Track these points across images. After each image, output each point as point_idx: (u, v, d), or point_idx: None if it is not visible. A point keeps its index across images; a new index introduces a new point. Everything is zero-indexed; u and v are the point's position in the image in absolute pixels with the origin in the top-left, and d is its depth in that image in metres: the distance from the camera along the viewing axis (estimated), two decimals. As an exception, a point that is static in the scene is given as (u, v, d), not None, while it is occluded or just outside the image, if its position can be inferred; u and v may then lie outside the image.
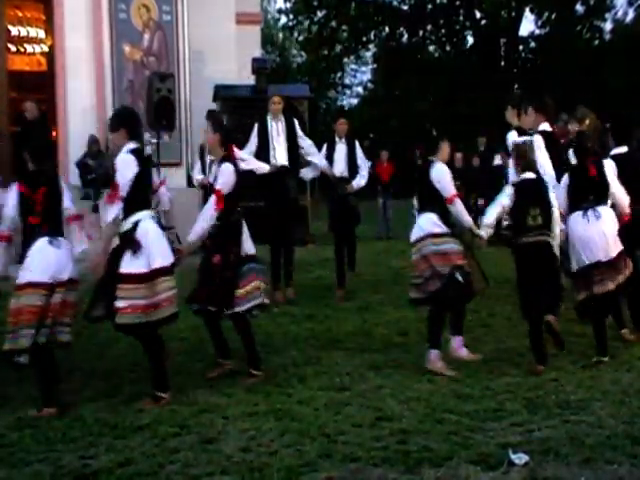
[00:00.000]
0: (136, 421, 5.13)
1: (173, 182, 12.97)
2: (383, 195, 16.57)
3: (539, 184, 6.47)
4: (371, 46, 37.08)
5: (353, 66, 40.30)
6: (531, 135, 7.91)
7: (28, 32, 16.83)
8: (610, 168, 6.78)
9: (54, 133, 13.64)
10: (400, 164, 17.45)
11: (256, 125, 9.08)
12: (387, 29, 35.33)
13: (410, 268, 6.69)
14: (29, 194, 5.44)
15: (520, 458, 4.38)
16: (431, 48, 36.64)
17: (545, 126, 8.17)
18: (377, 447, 4.60)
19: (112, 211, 5.49)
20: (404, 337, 7.38)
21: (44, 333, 5.33)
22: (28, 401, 5.54)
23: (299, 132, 9.13)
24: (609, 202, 6.68)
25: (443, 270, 6.16)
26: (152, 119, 12.75)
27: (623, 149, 7.32)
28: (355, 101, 39.96)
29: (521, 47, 34.69)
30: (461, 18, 34.97)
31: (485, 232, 6.44)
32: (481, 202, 13.38)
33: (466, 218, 6.38)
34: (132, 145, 5.62)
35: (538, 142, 7.85)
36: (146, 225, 5.50)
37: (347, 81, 41.17)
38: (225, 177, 5.98)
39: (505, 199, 6.41)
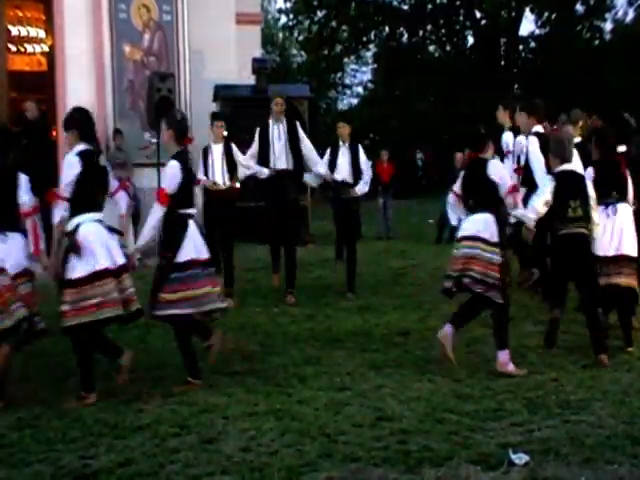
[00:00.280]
0: (136, 421, 5.13)
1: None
2: (383, 195, 16.56)
3: (577, 176, 6.59)
4: (371, 46, 37.10)
5: (353, 66, 40.25)
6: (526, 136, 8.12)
7: (28, 32, 16.86)
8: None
9: (54, 133, 13.65)
10: (400, 164, 17.45)
11: (258, 128, 9.07)
12: (387, 29, 35.36)
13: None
14: None
15: (520, 458, 4.38)
16: (431, 48, 36.65)
17: (538, 128, 8.32)
18: (377, 447, 4.60)
19: (57, 212, 5.56)
20: (404, 337, 7.38)
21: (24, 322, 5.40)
22: (28, 401, 5.54)
23: (301, 135, 9.12)
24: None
25: (488, 279, 6.09)
26: (152, 119, 12.74)
27: (622, 148, 7.37)
28: (355, 101, 39.95)
29: (521, 47, 34.71)
30: (461, 18, 34.99)
31: (532, 222, 6.47)
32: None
33: (520, 211, 6.44)
34: (81, 147, 5.64)
35: (533, 143, 8.04)
36: (88, 227, 5.51)
37: (347, 81, 41.15)
38: (169, 176, 5.83)
39: (549, 190, 6.46)
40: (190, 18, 14.09)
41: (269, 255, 9.73)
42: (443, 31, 35.44)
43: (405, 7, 35.45)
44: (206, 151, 9.03)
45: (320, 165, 9.18)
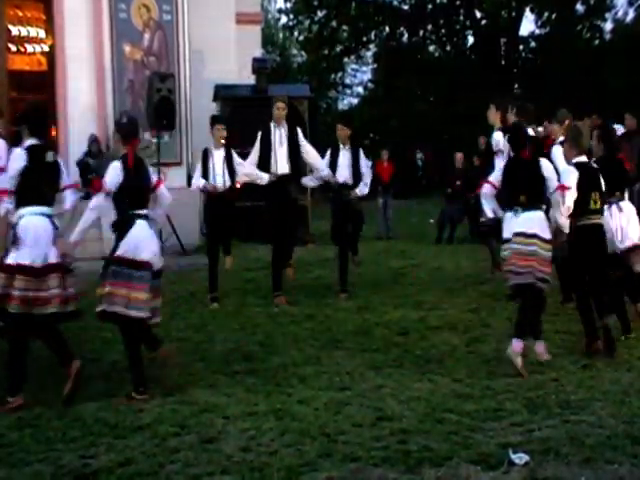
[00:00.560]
0: (136, 421, 5.13)
1: (173, 182, 13.05)
2: (383, 195, 16.57)
3: (592, 169, 6.76)
4: (371, 46, 37.08)
5: (353, 66, 40.26)
6: None
7: (28, 32, 16.86)
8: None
9: (54, 133, 13.66)
10: (400, 164, 17.45)
11: (260, 133, 9.06)
12: (387, 29, 35.35)
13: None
14: None
15: (520, 458, 4.38)
16: (431, 48, 36.63)
17: (529, 130, 8.39)
18: (377, 447, 4.61)
19: (2, 205, 5.69)
20: (404, 337, 7.38)
21: None
22: (28, 401, 5.54)
23: (302, 141, 9.11)
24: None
25: (539, 274, 6.24)
26: (152, 119, 12.77)
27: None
28: (355, 101, 39.94)
29: (521, 47, 34.69)
30: (461, 18, 34.98)
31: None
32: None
33: (563, 209, 6.49)
34: (30, 141, 5.80)
35: None
36: (28, 220, 5.60)
37: (347, 81, 41.15)
38: (108, 174, 5.90)
39: (574, 180, 6.53)
40: (190, 18, 14.10)
41: (269, 255, 9.74)
42: (443, 31, 35.42)
43: (405, 7, 35.45)
44: (206, 154, 8.98)
45: (325, 171, 9.18)
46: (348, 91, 41.28)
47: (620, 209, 7.08)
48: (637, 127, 13.05)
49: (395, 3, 35.37)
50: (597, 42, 33.32)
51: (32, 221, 5.62)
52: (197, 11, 14.41)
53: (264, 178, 8.92)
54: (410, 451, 4.53)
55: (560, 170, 6.70)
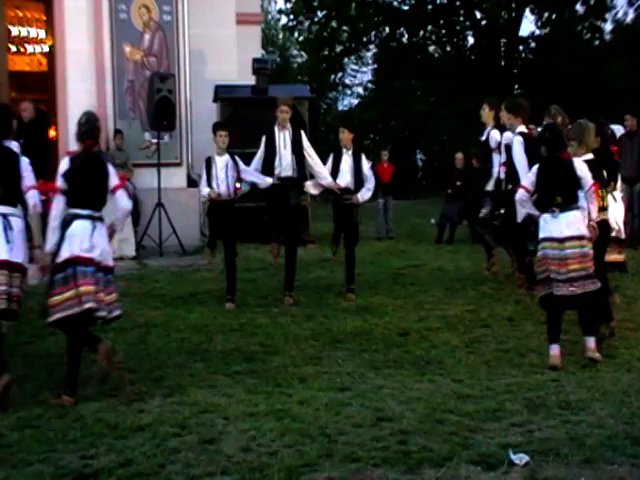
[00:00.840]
0: (136, 421, 5.13)
1: (173, 182, 13.07)
2: (384, 195, 16.54)
3: (599, 167, 6.88)
4: (371, 46, 37.07)
5: (353, 66, 40.27)
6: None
7: (28, 32, 16.88)
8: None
9: (54, 133, 13.66)
10: (400, 164, 17.44)
11: (264, 137, 9.05)
12: (387, 29, 35.30)
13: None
14: None
15: (520, 458, 4.38)
16: (431, 48, 36.61)
17: (522, 128, 8.47)
18: (377, 447, 4.61)
19: None
20: (404, 337, 7.38)
21: None
22: (28, 401, 5.54)
23: (306, 145, 9.11)
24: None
25: (583, 272, 6.34)
26: (152, 119, 12.76)
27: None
28: (355, 101, 39.91)
29: (521, 47, 34.67)
30: (461, 18, 34.94)
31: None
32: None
33: (593, 207, 6.55)
34: None
35: (518, 143, 8.23)
36: None
37: (347, 81, 41.14)
38: (58, 172, 5.88)
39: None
40: (190, 18, 14.07)
41: (269, 255, 9.75)
42: (443, 31, 35.38)
43: (405, 7, 35.40)
44: (209, 162, 8.94)
45: (326, 179, 9.17)
46: (348, 92, 41.32)
47: (615, 199, 7.59)
48: (637, 127, 13.07)
49: (395, 3, 35.31)
50: (597, 42, 33.30)
51: None
52: (197, 11, 14.39)
53: (268, 182, 8.91)
54: (410, 451, 4.53)
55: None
